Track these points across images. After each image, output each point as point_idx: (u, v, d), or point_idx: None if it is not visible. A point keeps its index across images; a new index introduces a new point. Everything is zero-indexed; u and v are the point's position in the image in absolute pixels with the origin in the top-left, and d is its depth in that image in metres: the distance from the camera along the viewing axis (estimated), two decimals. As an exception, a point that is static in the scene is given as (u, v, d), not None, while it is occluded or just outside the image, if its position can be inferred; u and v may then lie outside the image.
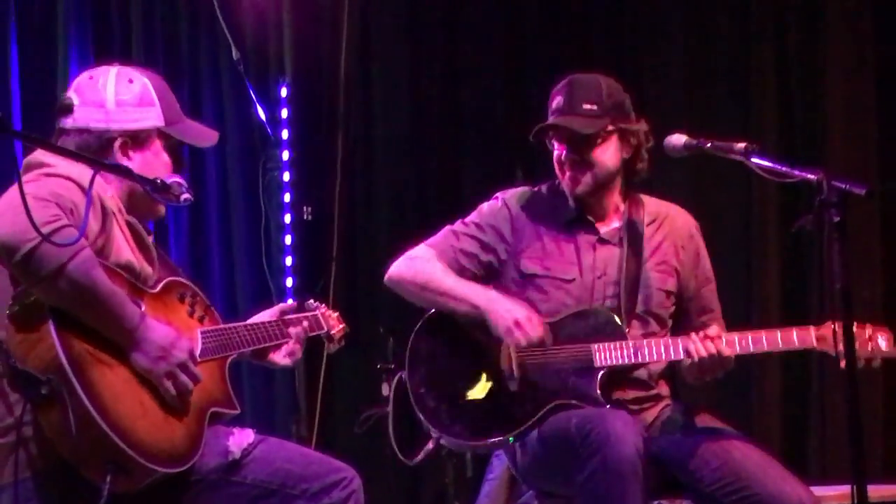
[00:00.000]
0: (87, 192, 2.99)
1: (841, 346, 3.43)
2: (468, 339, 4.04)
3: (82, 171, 3.08)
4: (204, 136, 3.52)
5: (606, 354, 3.93)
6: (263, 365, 3.71)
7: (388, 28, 6.89)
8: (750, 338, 3.88)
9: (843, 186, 3.28)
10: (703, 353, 3.85)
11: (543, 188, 4.21)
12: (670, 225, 4.17)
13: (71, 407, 2.90)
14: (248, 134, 6.66)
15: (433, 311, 4.14)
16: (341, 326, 3.87)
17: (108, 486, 2.91)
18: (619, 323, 3.97)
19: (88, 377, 2.95)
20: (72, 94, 3.33)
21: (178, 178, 3.31)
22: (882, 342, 3.81)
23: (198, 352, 3.26)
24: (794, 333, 3.85)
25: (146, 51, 6.33)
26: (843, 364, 3.43)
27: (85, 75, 3.39)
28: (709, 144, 3.82)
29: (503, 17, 6.76)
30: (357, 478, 3.31)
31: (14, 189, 2.88)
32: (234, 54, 6.51)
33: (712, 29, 6.35)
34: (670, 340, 3.94)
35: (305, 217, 6.78)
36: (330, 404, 6.54)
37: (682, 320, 4.12)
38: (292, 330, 3.66)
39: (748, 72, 6.25)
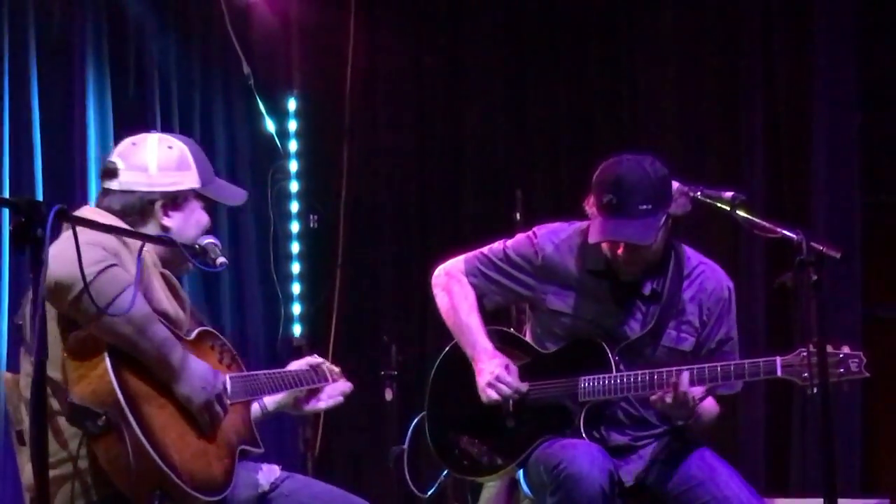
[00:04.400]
0: (136, 258, 3.28)
1: (806, 374, 3.69)
2: (471, 378, 4.23)
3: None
4: (234, 194, 3.82)
5: (591, 388, 4.07)
6: (294, 413, 3.98)
7: (393, 45, 7.08)
8: (719, 368, 3.95)
9: (821, 248, 3.51)
10: (667, 397, 3.93)
11: (580, 228, 4.24)
12: (700, 284, 4.20)
13: (127, 438, 3.15)
14: (258, 146, 6.89)
15: (443, 355, 4.37)
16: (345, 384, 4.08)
17: None
18: (608, 354, 4.09)
19: (140, 411, 3.21)
20: (116, 159, 3.59)
21: (213, 240, 3.60)
22: (853, 366, 3.80)
23: (228, 393, 3.52)
24: (760, 363, 3.92)
25: (160, 67, 6.46)
26: (813, 391, 3.62)
27: (128, 141, 3.66)
28: (699, 193, 3.99)
29: (505, 37, 6.93)
30: None
31: (63, 238, 3.13)
32: (245, 69, 6.71)
33: (704, 52, 6.51)
34: (655, 372, 4.00)
35: (312, 226, 7.03)
36: (335, 410, 6.69)
37: None
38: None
39: (737, 116, 6.40)
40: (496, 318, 4.56)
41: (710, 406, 4.16)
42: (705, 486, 4.04)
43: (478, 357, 4.20)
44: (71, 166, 6.15)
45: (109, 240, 3.30)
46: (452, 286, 4.33)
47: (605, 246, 4.10)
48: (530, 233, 4.31)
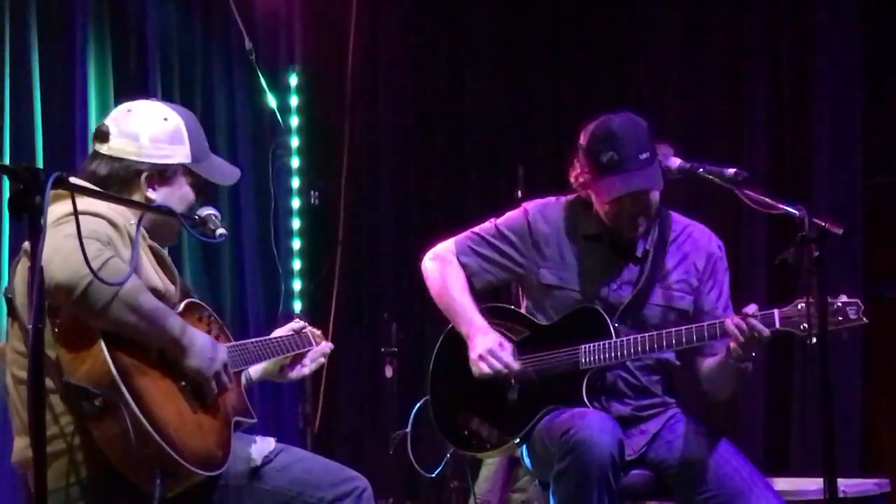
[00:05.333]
0: (133, 230, 3.23)
1: (804, 325, 3.70)
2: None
3: (108, 205, 3.30)
4: (226, 173, 3.71)
5: (592, 355, 4.08)
6: (277, 381, 3.96)
7: (395, 22, 7.08)
8: (717, 325, 3.93)
9: (823, 224, 3.50)
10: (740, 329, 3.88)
11: (569, 200, 4.27)
12: (692, 244, 4.23)
13: (127, 419, 3.11)
14: (259, 121, 6.87)
15: (443, 337, 4.36)
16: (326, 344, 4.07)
17: (159, 489, 3.14)
18: (607, 321, 4.10)
19: (136, 389, 3.16)
20: (109, 123, 3.51)
21: (213, 211, 3.53)
22: (851, 313, 3.76)
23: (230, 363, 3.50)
24: (759, 315, 3.88)
25: (161, 41, 6.44)
26: (812, 341, 3.61)
27: (124, 107, 3.58)
28: (701, 169, 3.98)
29: (508, 11, 6.93)
30: (369, 487, 3.53)
31: (54, 233, 3.05)
32: (247, 44, 6.68)
33: (709, 39, 6.50)
34: (656, 335, 4.02)
35: (313, 202, 7.02)
36: (334, 386, 6.73)
37: None
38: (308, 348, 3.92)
39: (741, 87, 6.39)
40: (496, 296, 4.54)
41: None
42: (705, 462, 4.03)
43: (472, 334, 4.20)
44: (71, 137, 6.13)
45: (101, 226, 3.23)
46: (443, 267, 4.33)
47: (607, 207, 4.10)
48: (521, 208, 4.32)
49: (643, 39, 6.66)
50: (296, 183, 7.02)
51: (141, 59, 6.42)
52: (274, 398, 6.57)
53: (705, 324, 4.00)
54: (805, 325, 3.79)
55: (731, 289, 4.25)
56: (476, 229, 4.35)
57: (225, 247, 6.72)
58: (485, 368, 4.14)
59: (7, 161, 5.80)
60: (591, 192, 4.15)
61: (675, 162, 4.06)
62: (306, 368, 3.96)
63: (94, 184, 3.43)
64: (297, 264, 6.99)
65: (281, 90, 6.97)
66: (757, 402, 6.08)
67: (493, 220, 4.34)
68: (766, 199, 3.79)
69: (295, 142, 7.01)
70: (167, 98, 6.30)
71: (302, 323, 3.99)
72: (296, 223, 7.01)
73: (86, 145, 6.10)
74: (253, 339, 3.76)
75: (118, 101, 6.06)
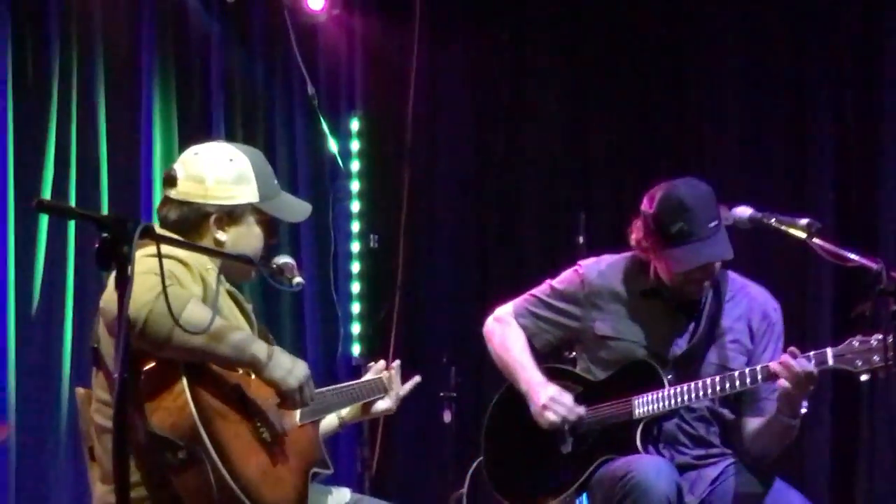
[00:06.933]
0: (206, 273, 3.29)
1: (859, 361, 3.71)
2: (527, 415, 4.28)
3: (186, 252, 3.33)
4: (296, 210, 3.70)
5: (645, 405, 4.11)
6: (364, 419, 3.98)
7: (455, 68, 7.10)
8: (769, 367, 3.95)
9: (902, 278, 3.49)
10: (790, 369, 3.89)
11: (624, 256, 4.33)
12: (748, 304, 4.24)
13: (210, 474, 3.13)
14: (320, 165, 6.93)
15: (498, 396, 4.44)
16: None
17: None
18: (659, 372, 4.13)
19: (219, 442, 3.17)
20: (177, 167, 3.54)
21: (289, 260, 3.54)
22: None
23: (297, 417, 3.51)
24: (811, 355, 3.90)
25: (225, 85, 6.51)
26: (863, 378, 3.71)
27: (191, 150, 3.60)
28: (773, 220, 3.98)
29: (567, 58, 6.93)
30: None
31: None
32: (310, 89, 6.75)
33: (770, 82, 6.45)
34: (708, 380, 4.05)
35: (372, 245, 7.04)
36: (392, 430, 6.73)
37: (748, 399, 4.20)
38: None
39: (804, 131, 6.36)
40: (547, 360, 4.57)
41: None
42: None
43: (532, 389, 4.26)
44: (136, 180, 6.20)
45: (166, 263, 3.19)
46: (503, 329, 4.43)
47: (674, 275, 4.13)
48: (575, 266, 4.40)
49: (703, 83, 6.63)
50: (355, 227, 7.04)
51: (205, 102, 6.50)
52: (331, 440, 6.54)
53: (756, 367, 4.00)
54: (859, 361, 3.79)
55: (797, 340, 4.24)
56: (533, 291, 4.43)
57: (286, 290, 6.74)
58: (551, 416, 4.19)
59: (73, 202, 5.87)
60: (655, 259, 4.18)
61: (746, 212, 4.06)
62: (384, 404, 3.99)
63: (165, 228, 3.47)
64: (355, 308, 7.01)
65: (342, 135, 7.01)
66: (822, 450, 6.03)
67: (548, 281, 4.42)
68: (841, 252, 3.78)
69: (355, 186, 7.05)
70: (230, 140, 6.38)
71: (383, 364, 4.00)
72: (355, 267, 7.03)
73: (150, 189, 6.18)
74: (330, 387, 3.78)
75: (182, 145, 6.25)
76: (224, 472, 3.13)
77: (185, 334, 3.12)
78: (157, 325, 3.11)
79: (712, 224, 4.02)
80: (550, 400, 4.19)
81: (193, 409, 3.15)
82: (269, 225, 3.60)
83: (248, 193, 3.53)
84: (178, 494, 3.18)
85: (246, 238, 3.53)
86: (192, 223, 3.49)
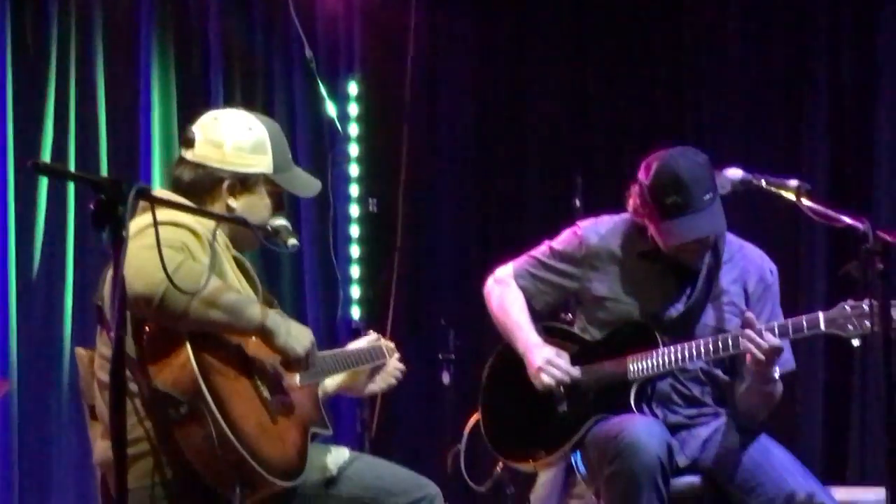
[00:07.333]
0: (209, 240, 3.31)
1: (851, 326, 3.76)
2: (524, 374, 4.32)
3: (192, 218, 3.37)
4: (307, 185, 3.76)
5: (640, 365, 4.16)
6: (353, 395, 4.03)
7: (455, 31, 7.10)
8: (763, 328, 3.97)
9: (887, 238, 3.52)
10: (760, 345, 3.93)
11: (623, 218, 4.33)
12: (745, 266, 4.27)
13: (211, 427, 3.19)
14: (318, 129, 6.92)
15: (494, 356, 4.49)
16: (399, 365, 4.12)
17: (239, 498, 3.22)
18: (654, 333, 4.17)
19: (220, 398, 3.23)
20: (196, 129, 3.58)
21: (284, 222, 3.59)
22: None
23: (297, 378, 3.56)
24: (803, 318, 3.95)
25: (223, 49, 6.54)
26: (854, 342, 3.76)
27: (211, 114, 3.65)
28: (763, 181, 4.01)
29: (569, 21, 6.95)
30: (440, 494, 3.59)
31: (132, 245, 3.04)
32: (307, 53, 6.75)
33: (769, 49, 6.48)
34: (702, 342, 4.09)
35: (371, 209, 7.06)
36: (392, 392, 6.72)
37: (738, 361, 4.22)
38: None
39: (800, 98, 6.39)
40: (545, 320, 4.60)
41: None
42: (762, 468, 4.08)
43: (529, 351, 4.30)
44: (134, 145, 6.24)
45: (177, 233, 3.29)
46: (502, 290, 4.44)
47: (669, 246, 4.16)
48: (574, 227, 4.41)
49: (702, 48, 6.66)
50: (354, 190, 7.06)
51: (203, 66, 6.52)
52: (332, 402, 6.57)
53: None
54: (851, 326, 3.84)
55: (791, 301, 4.27)
56: (532, 252, 4.44)
57: (284, 254, 6.79)
58: (546, 379, 4.24)
59: (72, 167, 5.91)
60: (651, 227, 4.18)
61: (737, 174, 4.09)
62: (376, 386, 4.03)
63: (178, 189, 3.53)
64: (355, 271, 7.03)
65: (340, 98, 7.01)
66: (815, 409, 6.08)
67: (547, 242, 4.43)
68: (829, 212, 3.81)
69: (354, 150, 7.06)
70: (229, 103, 6.43)
71: (376, 335, 4.04)
72: (354, 230, 7.05)
73: (149, 152, 6.22)
74: (328, 351, 3.82)
75: (181, 110, 6.30)
76: (224, 426, 3.19)
77: (201, 308, 3.18)
78: (173, 302, 3.16)
79: (707, 196, 4.03)
80: (546, 362, 4.23)
81: (195, 366, 3.21)
82: (279, 197, 3.64)
83: (263, 163, 3.57)
84: (181, 449, 3.24)
85: (256, 207, 3.57)
86: (204, 186, 3.53)
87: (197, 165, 3.53)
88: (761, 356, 3.95)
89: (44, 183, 5.84)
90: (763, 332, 3.95)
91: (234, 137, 3.54)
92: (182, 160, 3.57)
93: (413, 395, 6.67)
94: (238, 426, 3.23)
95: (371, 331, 4.12)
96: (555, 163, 6.90)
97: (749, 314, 4.03)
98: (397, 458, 6.62)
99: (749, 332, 3.96)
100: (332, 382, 3.93)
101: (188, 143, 3.56)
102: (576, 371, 4.24)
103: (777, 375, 4.05)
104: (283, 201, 3.65)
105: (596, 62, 6.89)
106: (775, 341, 3.94)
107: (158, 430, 3.27)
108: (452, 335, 6.33)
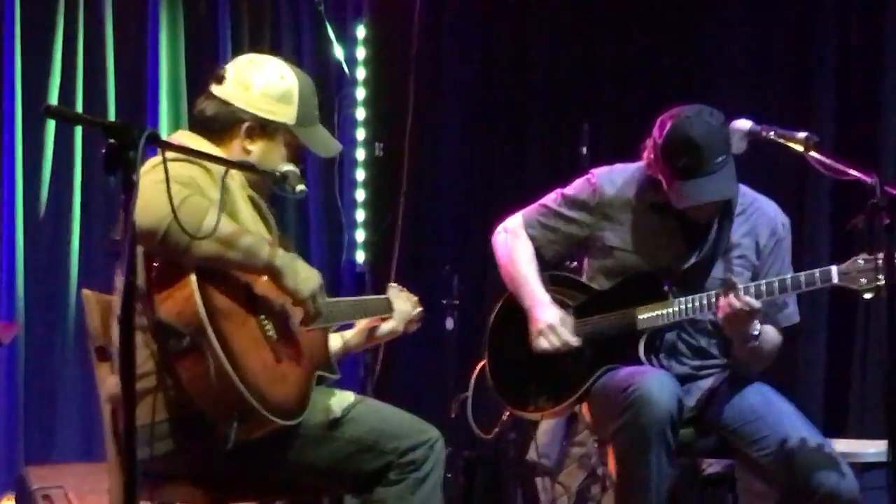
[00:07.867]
0: (220, 176, 3.29)
1: (863, 279, 3.77)
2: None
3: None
4: (327, 145, 3.75)
5: (647, 317, 4.14)
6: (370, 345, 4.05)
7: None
8: (776, 282, 3.99)
9: (894, 192, 3.50)
10: (729, 305, 3.96)
11: (638, 167, 4.28)
12: (757, 218, 4.26)
13: (210, 360, 3.20)
14: (326, 72, 6.91)
15: (500, 305, 4.45)
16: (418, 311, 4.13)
17: (234, 432, 3.24)
18: (663, 284, 4.16)
19: (223, 334, 3.24)
20: (229, 67, 3.60)
21: (293, 168, 3.58)
22: None
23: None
24: (816, 272, 3.94)
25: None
26: (866, 296, 3.75)
27: (248, 56, 3.67)
28: (771, 133, 3.98)
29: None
30: (441, 438, 3.60)
31: (141, 182, 3.14)
32: (315, -5, 6.76)
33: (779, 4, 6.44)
34: (713, 294, 4.06)
35: (377, 153, 7.08)
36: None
37: None
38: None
39: (809, 62, 6.34)
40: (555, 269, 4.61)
41: (772, 335, 4.20)
42: (764, 419, 4.10)
43: (534, 308, 4.27)
44: (142, 85, 6.24)
45: (185, 168, 3.30)
46: (511, 241, 4.39)
47: (677, 200, 4.12)
48: (587, 175, 4.36)
49: (710, 1, 6.63)
50: (360, 134, 7.07)
51: (211, 9, 6.51)
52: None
53: (763, 282, 4.02)
54: (864, 279, 3.84)
55: (795, 255, 4.27)
56: (543, 201, 4.39)
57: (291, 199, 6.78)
58: (544, 344, 4.23)
59: (80, 108, 5.92)
60: (664, 184, 4.15)
61: (746, 125, 4.06)
62: (398, 325, 4.00)
63: (199, 122, 3.57)
64: (360, 215, 7.06)
65: (348, 42, 7.01)
66: (817, 363, 6.09)
67: (559, 190, 4.38)
68: (837, 165, 3.78)
69: (360, 93, 7.07)
70: (237, 46, 6.43)
71: (399, 287, 4.05)
72: (360, 174, 7.07)
73: (156, 96, 6.23)
74: (345, 298, 3.84)
75: (188, 53, 6.30)
76: (224, 360, 3.20)
77: (204, 244, 3.19)
78: (176, 236, 3.17)
79: (720, 159, 4.00)
80: (548, 327, 4.21)
81: (199, 299, 3.22)
82: (296, 150, 3.65)
83: (287, 113, 3.58)
84: (182, 384, 3.26)
85: (271, 154, 3.59)
86: (224, 124, 3.55)
87: (222, 102, 3.56)
88: (730, 319, 3.97)
89: (51, 126, 5.84)
90: (740, 292, 3.94)
91: (264, 82, 3.56)
92: (209, 94, 3.59)
93: (416, 341, 6.65)
94: (238, 362, 3.24)
95: (394, 283, 4.11)
96: (561, 109, 6.90)
97: (731, 278, 4.02)
98: (399, 402, 6.70)
99: (729, 299, 3.95)
100: (338, 341, 3.95)
101: (219, 78, 3.58)
102: (576, 341, 4.22)
103: (756, 332, 4.04)
104: (299, 154, 3.66)
105: (603, 6, 6.84)
106: (755, 303, 3.94)
107: (162, 363, 3.28)
108: (456, 280, 6.34)
